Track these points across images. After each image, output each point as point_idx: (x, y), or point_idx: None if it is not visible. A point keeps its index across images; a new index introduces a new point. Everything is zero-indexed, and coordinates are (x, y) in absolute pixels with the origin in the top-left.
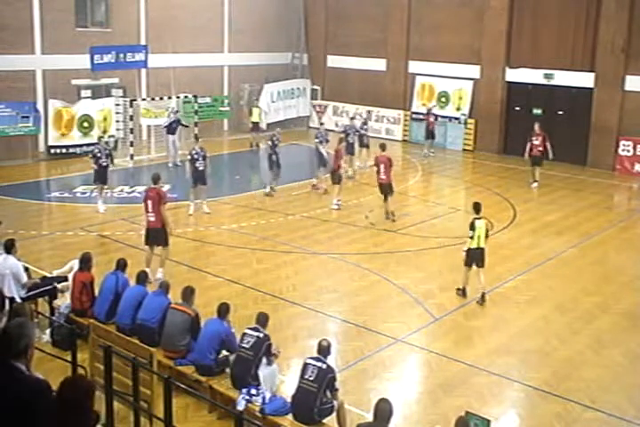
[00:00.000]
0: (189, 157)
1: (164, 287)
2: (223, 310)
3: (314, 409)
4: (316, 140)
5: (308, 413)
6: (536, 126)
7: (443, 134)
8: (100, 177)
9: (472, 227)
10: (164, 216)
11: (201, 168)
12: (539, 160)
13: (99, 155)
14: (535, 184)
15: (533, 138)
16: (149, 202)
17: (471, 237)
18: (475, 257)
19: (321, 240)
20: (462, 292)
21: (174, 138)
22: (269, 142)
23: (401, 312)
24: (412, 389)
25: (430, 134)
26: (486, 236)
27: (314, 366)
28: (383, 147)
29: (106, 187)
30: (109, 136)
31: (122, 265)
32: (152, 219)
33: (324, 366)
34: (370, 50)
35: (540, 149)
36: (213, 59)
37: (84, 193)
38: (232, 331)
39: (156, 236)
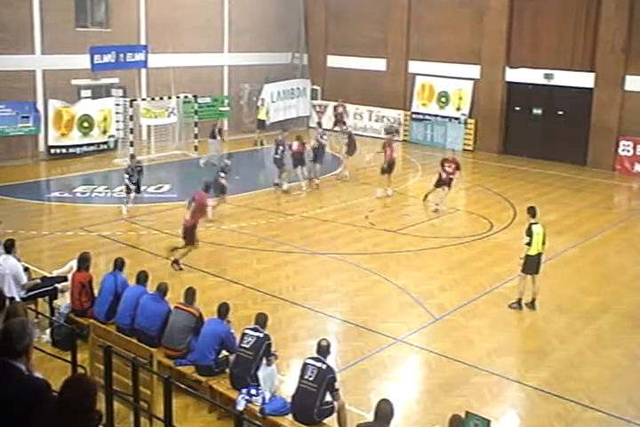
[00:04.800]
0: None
1: (162, 291)
2: (223, 310)
3: (314, 410)
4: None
5: (308, 413)
6: (450, 154)
7: (443, 134)
8: (133, 188)
9: (529, 232)
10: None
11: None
12: (447, 183)
13: (130, 172)
14: (438, 206)
15: (446, 165)
16: (193, 204)
17: (528, 244)
18: (533, 264)
19: (321, 240)
20: (518, 304)
21: (215, 141)
22: (316, 142)
23: (401, 312)
24: (412, 389)
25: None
26: (543, 242)
27: (313, 366)
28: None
29: (137, 192)
30: (109, 136)
31: (119, 264)
32: (187, 217)
33: (324, 367)
34: (370, 50)
35: (452, 176)
36: (213, 59)
37: (84, 193)
38: (232, 331)
39: (185, 233)
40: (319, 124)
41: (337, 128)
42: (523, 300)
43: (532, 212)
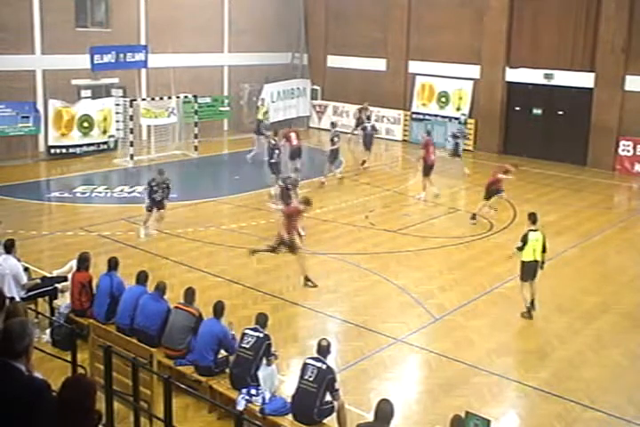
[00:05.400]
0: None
1: (161, 290)
2: (219, 309)
3: (314, 409)
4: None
5: (308, 413)
6: (508, 165)
7: (443, 134)
8: (154, 205)
9: (524, 238)
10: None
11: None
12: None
13: (155, 188)
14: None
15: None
16: (283, 218)
17: (519, 249)
18: (530, 271)
19: (321, 240)
20: (528, 313)
21: (261, 137)
22: (331, 141)
23: (401, 312)
24: (412, 389)
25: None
26: (544, 250)
27: (313, 366)
28: None
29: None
30: (109, 136)
31: (113, 264)
32: (282, 233)
33: (324, 367)
34: (370, 50)
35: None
36: (213, 59)
37: (84, 193)
38: (229, 330)
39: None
40: (333, 124)
41: (356, 131)
42: (533, 303)
43: (532, 218)
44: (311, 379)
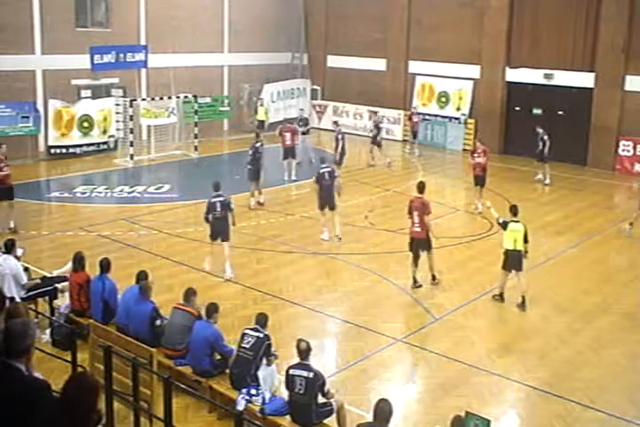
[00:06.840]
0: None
1: (143, 290)
2: (211, 310)
3: (312, 414)
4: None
5: (307, 418)
6: (478, 143)
7: (443, 134)
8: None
9: (504, 225)
10: (428, 226)
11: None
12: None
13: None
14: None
15: (475, 155)
16: (415, 213)
17: (499, 223)
18: (512, 260)
19: (321, 240)
20: (500, 297)
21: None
22: (339, 136)
23: (401, 312)
24: (412, 389)
25: (414, 134)
26: (526, 240)
27: (300, 377)
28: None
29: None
30: (109, 136)
31: (105, 266)
32: (418, 229)
33: (311, 376)
34: (370, 50)
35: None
36: (213, 59)
37: (84, 193)
38: (221, 333)
39: (422, 244)
40: (335, 122)
41: (414, 140)
42: (505, 294)
43: (514, 210)
44: (301, 392)
